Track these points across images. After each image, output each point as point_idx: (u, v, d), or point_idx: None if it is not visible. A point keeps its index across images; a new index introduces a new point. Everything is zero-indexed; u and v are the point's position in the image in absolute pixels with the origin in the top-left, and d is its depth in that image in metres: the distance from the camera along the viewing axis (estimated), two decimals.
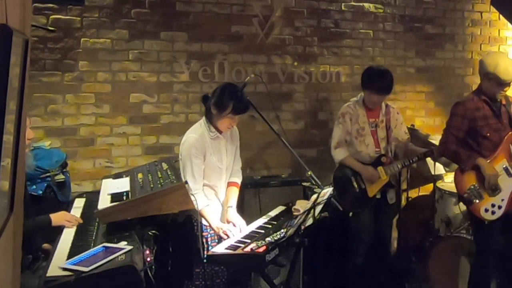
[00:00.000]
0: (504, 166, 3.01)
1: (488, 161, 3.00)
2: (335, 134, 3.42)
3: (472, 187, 3.01)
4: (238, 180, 2.99)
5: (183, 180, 2.61)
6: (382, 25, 4.36)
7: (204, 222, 2.76)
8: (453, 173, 3.18)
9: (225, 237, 2.64)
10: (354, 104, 3.42)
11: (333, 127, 3.52)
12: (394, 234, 3.92)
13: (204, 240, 2.77)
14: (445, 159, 3.46)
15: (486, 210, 2.97)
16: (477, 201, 2.99)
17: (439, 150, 3.21)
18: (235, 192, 2.93)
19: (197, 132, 2.80)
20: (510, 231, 3.04)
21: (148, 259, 2.20)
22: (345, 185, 3.32)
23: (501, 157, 3.01)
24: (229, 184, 2.95)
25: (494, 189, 2.98)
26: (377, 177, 3.29)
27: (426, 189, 4.26)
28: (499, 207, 2.97)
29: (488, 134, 3.01)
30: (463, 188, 3.04)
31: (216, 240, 2.78)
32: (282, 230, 2.47)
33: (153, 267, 2.23)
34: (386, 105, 3.46)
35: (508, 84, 2.98)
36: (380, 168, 3.31)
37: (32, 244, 2.47)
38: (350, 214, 3.33)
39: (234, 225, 2.74)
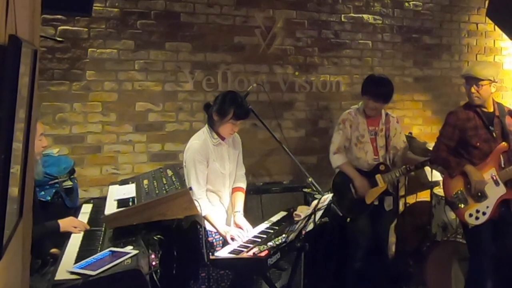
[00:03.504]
0: (492, 174, 3.06)
1: (477, 168, 3.06)
2: (334, 139, 3.46)
3: (459, 192, 3.09)
4: (243, 184, 3.03)
5: (188, 186, 2.66)
6: (381, 36, 4.45)
7: (208, 227, 2.80)
8: None
9: (231, 241, 2.68)
10: (355, 111, 3.47)
11: (332, 135, 3.59)
12: (392, 239, 3.96)
13: (209, 245, 2.81)
14: (442, 167, 3.53)
15: (470, 215, 3.05)
16: (463, 206, 3.07)
17: (431, 157, 3.29)
18: (241, 197, 2.97)
19: (200, 138, 2.85)
20: (501, 236, 3.10)
21: (154, 263, 2.21)
22: (344, 191, 3.37)
23: (490, 166, 3.07)
24: (235, 189, 2.99)
25: (480, 196, 3.05)
26: (368, 189, 3.33)
27: (423, 195, 4.28)
28: (484, 213, 3.03)
29: (478, 144, 3.07)
30: (450, 193, 3.12)
31: (221, 245, 2.81)
32: (284, 235, 2.51)
33: (159, 271, 2.25)
34: (386, 114, 3.52)
35: (470, 80, 3.05)
36: (378, 176, 3.36)
37: (41, 249, 2.48)
38: (348, 220, 3.37)
39: (241, 229, 2.78)
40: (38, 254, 2.41)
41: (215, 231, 2.81)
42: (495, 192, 3.06)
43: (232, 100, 2.79)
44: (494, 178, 3.06)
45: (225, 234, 2.74)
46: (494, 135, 3.08)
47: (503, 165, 3.10)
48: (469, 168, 3.05)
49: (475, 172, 3.04)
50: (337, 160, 3.41)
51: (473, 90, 3.06)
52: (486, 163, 3.07)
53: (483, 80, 3.03)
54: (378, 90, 3.35)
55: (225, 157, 2.91)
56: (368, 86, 3.39)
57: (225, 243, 2.77)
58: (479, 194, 3.05)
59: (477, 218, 3.04)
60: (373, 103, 3.36)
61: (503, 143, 3.08)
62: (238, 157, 3.02)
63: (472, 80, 3.06)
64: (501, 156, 3.09)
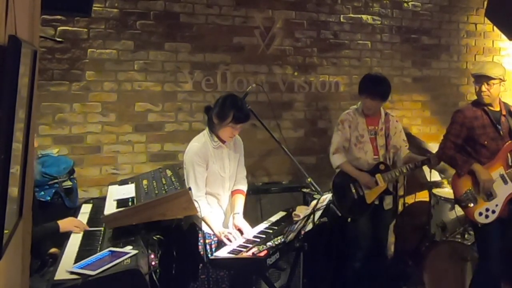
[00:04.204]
0: (501, 173, 3.07)
1: (485, 167, 3.07)
2: (334, 140, 3.47)
3: (468, 191, 3.09)
4: (244, 187, 3.02)
5: (187, 187, 2.69)
6: (380, 36, 4.45)
7: (207, 229, 2.81)
8: (449, 180, 3.27)
9: (227, 242, 2.68)
10: (354, 111, 3.48)
11: (332, 135, 3.58)
12: (391, 238, 3.98)
13: (208, 247, 2.82)
14: (440, 167, 3.54)
15: (480, 214, 3.05)
16: (472, 205, 3.07)
17: (437, 155, 3.29)
18: (241, 199, 2.97)
19: (200, 141, 2.86)
20: (508, 234, 3.10)
21: (153, 263, 2.24)
22: (344, 191, 3.37)
23: (498, 165, 3.08)
24: (235, 191, 2.98)
25: (489, 195, 3.06)
26: (373, 183, 3.35)
27: (422, 195, 4.30)
28: (493, 212, 3.04)
29: (486, 142, 3.08)
30: (459, 192, 3.12)
31: (216, 248, 2.81)
32: (283, 235, 2.52)
33: (158, 271, 2.27)
34: (386, 113, 3.53)
35: (481, 78, 3.06)
36: (378, 175, 3.36)
37: (41, 249, 2.52)
38: (349, 220, 3.39)
39: (240, 231, 2.78)
40: (37, 254, 2.43)
41: (213, 233, 2.81)
42: (503, 191, 3.07)
43: (232, 103, 2.79)
44: (503, 176, 3.07)
45: (219, 235, 2.73)
46: (501, 133, 3.10)
47: (510, 164, 3.11)
48: (477, 167, 3.06)
49: (483, 171, 3.05)
50: (336, 160, 3.42)
51: (484, 88, 3.07)
52: (494, 162, 3.08)
53: (494, 78, 3.05)
54: (375, 88, 3.36)
55: (225, 160, 2.91)
56: (365, 85, 3.41)
57: (220, 245, 2.77)
58: (488, 193, 3.05)
59: (486, 216, 3.05)
60: (370, 101, 3.37)
61: (510, 141, 3.09)
62: (239, 160, 3.02)
63: (483, 78, 3.06)
64: (508, 154, 3.10)
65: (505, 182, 3.07)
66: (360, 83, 3.46)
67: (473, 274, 3.25)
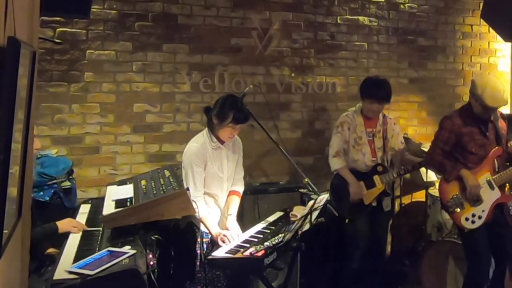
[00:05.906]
0: (487, 179, 3.08)
1: (472, 172, 3.07)
2: (333, 143, 3.48)
3: (455, 196, 3.10)
4: (240, 189, 3.04)
5: (185, 187, 2.70)
6: (376, 37, 4.47)
7: (204, 228, 2.82)
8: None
9: (222, 243, 2.69)
10: (352, 114, 3.49)
11: (329, 136, 3.60)
12: (388, 238, 3.98)
13: (205, 246, 2.83)
14: None
15: (467, 219, 3.06)
16: (459, 210, 3.07)
17: (426, 160, 3.30)
18: (235, 201, 2.98)
19: (199, 141, 2.87)
20: (494, 237, 3.11)
21: (151, 263, 2.24)
22: (342, 192, 3.38)
23: (485, 170, 3.09)
24: (231, 192, 3.00)
25: (476, 200, 3.06)
26: (360, 197, 3.36)
27: (418, 196, 4.33)
28: (479, 217, 3.05)
29: (474, 150, 3.07)
30: (446, 197, 3.13)
31: (211, 248, 2.82)
32: (280, 235, 2.54)
33: (156, 270, 2.28)
34: (384, 116, 3.53)
35: (492, 109, 3.02)
36: (376, 177, 3.38)
37: (38, 250, 2.53)
38: (347, 221, 3.41)
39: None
40: (34, 255, 2.42)
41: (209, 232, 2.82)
42: (490, 196, 3.07)
43: (232, 104, 2.81)
44: (489, 182, 3.08)
45: (216, 236, 2.75)
46: (489, 140, 3.09)
47: (497, 169, 3.11)
48: (464, 173, 3.06)
49: (471, 177, 3.05)
50: (336, 164, 3.43)
51: (491, 113, 3.04)
52: (481, 168, 3.09)
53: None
54: (381, 92, 3.36)
55: (223, 160, 2.93)
56: (371, 89, 3.38)
57: (214, 243, 2.79)
58: (475, 198, 3.06)
59: (473, 222, 3.05)
60: (377, 105, 3.37)
61: (497, 147, 3.09)
62: (238, 161, 3.03)
63: (496, 108, 3.05)
64: (495, 160, 3.11)
65: (492, 187, 3.07)
66: (364, 88, 3.44)
67: (464, 279, 3.26)
